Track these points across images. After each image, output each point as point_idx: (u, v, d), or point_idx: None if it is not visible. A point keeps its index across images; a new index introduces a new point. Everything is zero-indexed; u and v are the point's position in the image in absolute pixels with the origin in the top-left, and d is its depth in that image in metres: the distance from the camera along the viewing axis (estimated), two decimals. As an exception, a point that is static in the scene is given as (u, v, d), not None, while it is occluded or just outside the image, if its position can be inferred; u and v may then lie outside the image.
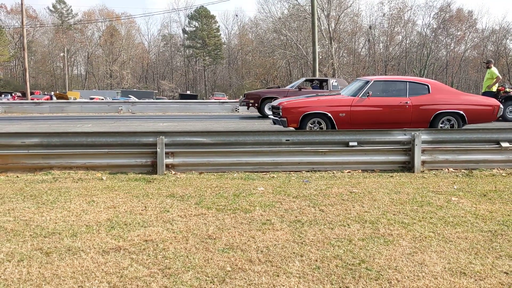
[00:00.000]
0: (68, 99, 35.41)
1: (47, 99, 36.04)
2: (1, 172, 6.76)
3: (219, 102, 27.97)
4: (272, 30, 54.37)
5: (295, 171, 7.13)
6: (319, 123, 9.75)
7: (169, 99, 55.07)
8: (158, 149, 6.82)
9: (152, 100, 35.72)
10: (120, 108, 22.85)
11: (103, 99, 39.47)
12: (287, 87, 17.88)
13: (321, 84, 18.04)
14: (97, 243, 3.89)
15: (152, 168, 6.94)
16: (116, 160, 6.98)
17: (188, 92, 63.16)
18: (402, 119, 9.52)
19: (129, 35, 77.16)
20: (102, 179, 6.49)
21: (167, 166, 6.93)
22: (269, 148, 7.25)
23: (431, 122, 9.65)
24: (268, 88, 20.97)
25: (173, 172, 6.93)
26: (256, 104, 16.80)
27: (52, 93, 46.51)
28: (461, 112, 9.59)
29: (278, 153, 7.22)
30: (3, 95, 40.47)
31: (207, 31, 74.08)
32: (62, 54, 67.06)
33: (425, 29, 63.37)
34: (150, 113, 22.65)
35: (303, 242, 3.95)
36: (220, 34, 78.62)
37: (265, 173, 7.01)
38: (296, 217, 4.69)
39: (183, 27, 78.64)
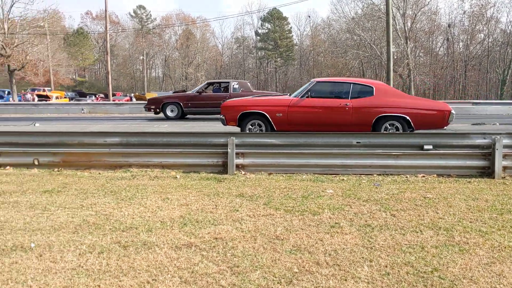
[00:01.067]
0: (146, 100, 37.05)
1: (127, 100, 38.01)
2: (85, 168, 7.25)
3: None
4: (345, 30, 53.56)
5: (365, 174, 6.99)
6: (259, 125, 9.76)
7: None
8: (228, 150, 6.98)
9: (224, 101, 36.44)
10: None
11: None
12: (190, 91, 18.81)
13: (226, 87, 17.78)
14: (170, 239, 4.06)
15: (223, 168, 7.11)
16: (189, 159, 7.24)
17: (260, 94, 63.70)
18: (342, 121, 9.30)
19: (203, 38, 79.36)
20: (176, 177, 6.76)
21: (237, 166, 7.08)
22: (339, 150, 7.17)
23: (373, 126, 9.28)
24: (174, 92, 21.63)
25: (243, 172, 7.06)
26: (158, 109, 17.70)
27: (132, 94, 48.95)
28: (406, 116, 9.15)
29: (348, 155, 7.12)
30: (88, 97, 43.19)
31: (279, 33, 74.38)
32: (141, 57, 70.51)
33: (509, 27, 59.35)
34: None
35: (373, 247, 3.88)
36: (292, 36, 78.60)
37: (334, 175, 6.94)
38: (366, 221, 4.61)
39: (256, 29, 79.54)
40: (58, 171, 7.20)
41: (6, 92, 39.17)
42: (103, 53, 57.00)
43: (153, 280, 3.24)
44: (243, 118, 9.82)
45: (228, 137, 7.04)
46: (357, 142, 7.19)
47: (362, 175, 6.95)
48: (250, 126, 9.82)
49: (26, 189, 5.96)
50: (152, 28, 78.67)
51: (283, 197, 5.58)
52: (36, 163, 7.31)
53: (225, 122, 10.07)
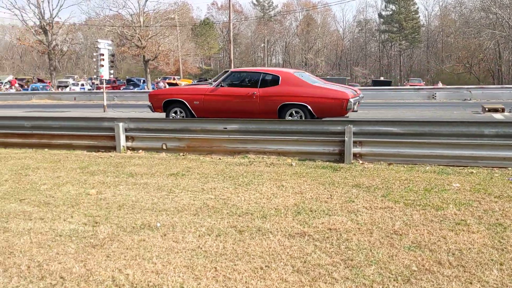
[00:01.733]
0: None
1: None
2: (207, 154, 7.63)
3: (414, 88, 26.50)
4: (479, 8, 48.96)
5: (499, 167, 6.34)
6: (181, 112, 10.41)
7: (362, 85, 54.44)
8: (346, 138, 6.81)
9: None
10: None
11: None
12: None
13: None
14: (284, 227, 4.09)
15: (339, 157, 6.97)
16: (305, 147, 7.22)
17: (382, 78, 61.36)
18: (250, 109, 9.81)
19: (324, 23, 78.50)
20: (291, 165, 6.79)
21: (355, 155, 6.88)
22: (468, 141, 6.59)
23: (278, 114, 9.66)
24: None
25: (360, 162, 6.85)
26: None
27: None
28: (306, 104, 9.43)
29: (478, 146, 6.51)
30: (212, 84, 45.34)
31: (404, 14, 70.55)
32: (262, 45, 72.08)
33: None
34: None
35: (504, 249, 3.50)
36: (419, 16, 74.04)
37: (462, 167, 6.40)
38: (497, 219, 4.18)
39: (379, 11, 76.44)
40: (183, 155, 7.67)
41: (142, 81, 42.85)
42: (227, 42, 59.28)
43: (266, 266, 3.29)
44: (167, 106, 10.62)
45: (345, 125, 6.87)
46: (489, 132, 6.55)
47: (495, 168, 6.31)
48: (173, 114, 10.57)
49: (155, 171, 6.45)
50: (273, 15, 79.83)
51: (403, 189, 5.29)
52: (164, 147, 7.88)
53: (153, 109, 10.95)
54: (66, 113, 15.50)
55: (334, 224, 4.14)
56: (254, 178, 5.95)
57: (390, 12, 73.44)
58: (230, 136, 7.58)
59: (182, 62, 54.01)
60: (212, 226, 4.12)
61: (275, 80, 9.94)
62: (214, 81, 11.29)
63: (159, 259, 3.44)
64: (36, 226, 4.22)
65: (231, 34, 34.79)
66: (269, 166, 6.71)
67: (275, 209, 4.61)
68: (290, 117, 9.52)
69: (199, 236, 3.90)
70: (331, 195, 5.10)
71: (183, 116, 10.40)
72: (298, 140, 7.27)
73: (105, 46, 15.91)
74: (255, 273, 3.18)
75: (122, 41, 47.27)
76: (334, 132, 7.07)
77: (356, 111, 10.29)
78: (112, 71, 16.76)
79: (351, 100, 9.33)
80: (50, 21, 41.14)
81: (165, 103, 10.61)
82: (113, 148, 8.06)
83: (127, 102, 25.95)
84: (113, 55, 17.19)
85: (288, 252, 3.53)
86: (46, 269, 3.29)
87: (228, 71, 10.72)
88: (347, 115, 9.60)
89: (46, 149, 8.43)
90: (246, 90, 10.01)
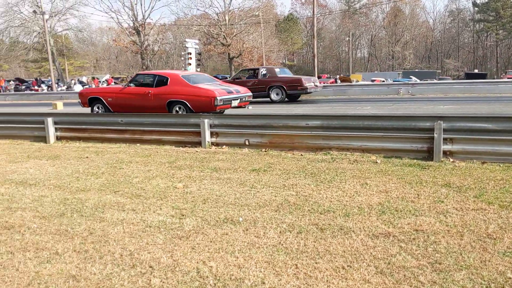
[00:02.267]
0: (351, 82, 37.14)
1: (332, 83, 38.65)
2: (289, 150, 7.64)
3: (513, 81, 24.52)
4: None
5: None
6: (101, 108, 12.85)
7: (453, 79, 51.47)
8: (435, 135, 6.47)
9: (432, 81, 34.05)
10: (399, 89, 22.63)
11: (383, 81, 39.85)
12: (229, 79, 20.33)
13: (256, 73, 18.70)
14: (367, 226, 3.98)
15: (428, 154, 6.64)
16: (391, 144, 6.96)
17: (476, 71, 57.58)
18: (146, 105, 11.89)
19: (413, 14, 75.22)
20: (376, 162, 6.59)
21: (445, 153, 6.52)
22: None
23: (167, 108, 11.67)
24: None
25: (451, 160, 6.47)
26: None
27: (338, 76, 49.52)
28: (184, 101, 11.41)
29: None
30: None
31: (502, 2, 65.48)
32: (347, 39, 70.65)
33: None
34: (430, 94, 21.65)
35: None
36: (519, 3, 68.33)
37: None
38: None
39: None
40: (265, 151, 7.75)
41: (226, 78, 43.87)
42: (311, 37, 58.86)
43: (348, 266, 3.23)
44: (91, 102, 13.02)
45: (434, 121, 6.53)
46: None
47: None
48: (97, 109, 12.95)
49: (238, 167, 6.58)
50: (359, 8, 77.90)
51: (499, 190, 4.92)
52: (247, 143, 8.02)
53: (82, 105, 13.47)
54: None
55: (421, 225, 3.96)
56: (336, 175, 5.85)
57: (486, 0, 68.54)
58: (312, 132, 7.52)
59: (265, 58, 54.55)
60: (293, 223, 4.12)
61: (165, 81, 11.93)
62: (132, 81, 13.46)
63: (241, 253, 3.51)
64: (128, 216, 4.49)
65: (315, 28, 34.46)
66: (352, 163, 6.57)
67: (358, 207, 4.51)
68: (175, 112, 11.57)
69: (280, 232, 3.92)
70: (418, 194, 4.88)
71: (103, 111, 12.78)
72: (383, 137, 7.03)
73: (192, 45, 16.53)
74: (336, 272, 3.14)
75: (209, 40, 48.76)
76: (423, 128, 6.74)
77: (234, 107, 12.15)
78: (198, 69, 17.38)
79: (218, 98, 11.22)
80: (143, 22, 43.51)
81: (90, 100, 13.09)
82: (199, 144, 8.35)
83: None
84: (199, 54, 17.85)
85: (371, 253, 3.43)
86: (137, 258, 3.49)
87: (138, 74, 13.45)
88: (218, 110, 11.36)
89: (138, 144, 8.94)
90: (144, 89, 12.14)
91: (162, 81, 11.98)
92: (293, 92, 17.85)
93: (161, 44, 52.05)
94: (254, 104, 16.98)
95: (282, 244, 3.65)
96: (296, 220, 4.19)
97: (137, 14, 43.45)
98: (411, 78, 43.78)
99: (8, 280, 3.21)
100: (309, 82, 18.10)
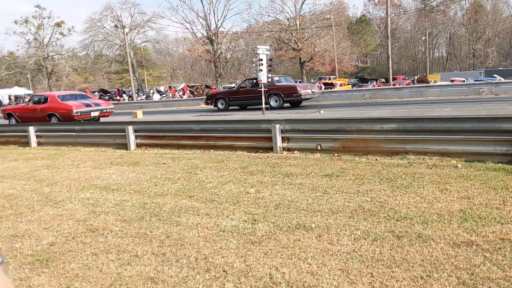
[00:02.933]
0: (428, 83, 35.61)
1: (408, 84, 37.28)
2: (363, 154, 7.45)
3: None
4: None
5: None
6: (14, 119, 18.47)
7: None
8: (523, 137, 6.02)
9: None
10: (481, 89, 21.35)
11: (463, 81, 37.80)
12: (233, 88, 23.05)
13: (257, 82, 18.48)
14: (447, 234, 3.78)
15: (515, 158, 6.19)
16: (472, 147, 6.57)
17: None
18: (37, 117, 16.81)
19: (495, 9, 70.76)
20: (456, 166, 6.24)
21: (535, 156, 6.05)
22: None
23: (48, 118, 16.62)
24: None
25: (542, 164, 5.98)
26: (212, 103, 21.69)
27: (416, 77, 47.67)
28: (55, 113, 16.57)
29: None
30: (369, 82, 44.26)
31: None
32: (423, 38, 67.83)
33: None
34: (518, 93, 20.21)
35: None
36: None
37: None
38: None
39: None
40: (338, 156, 7.61)
41: (298, 82, 43.77)
42: (384, 37, 57.32)
43: (427, 276, 3.07)
44: (9, 116, 18.61)
45: (522, 122, 6.08)
46: None
47: None
48: (10, 121, 18.40)
49: (310, 172, 6.52)
50: (435, 6, 74.64)
51: None
52: (318, 148, 7.93)
53: (4, 118, 18.91)
54: (229, 117, 16.63)
55: (507, 233, 3.68)
56: (413, 180, 5.62)
57: None
58: (387, 136, 7.28)
59: (337, 61, 53.82)
60: (368, 230, 4.00)
61: (46, 99, 17.11)
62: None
63: (314, 260, 3.46)
64: (203, 221, 4.60)
65: (389, 29, 33.46)
66: (430, 168, 6.28)
67: (438, 214, 4.29)
68: (53, 121, 16.47)
69: (354, 239, 3.82)
70: (504, 201, 4.55)
71: (15, 122, 18.16)
72: (464, 140, 6.65)
73: (263, 51, 16.65)
74: (414, 282, 3.00)
75: (280, 45, 49.00)
76: (508, 130, 6.30)
77: (95, 116, 17.11)
78: (269, 75, 17.47)
79: (75, 110, 16.17)
80: (216, 31, 44.65)
81: (7, 114, 18.65)
82: (270, 149, 8.39)
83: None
84: (270, 59, 17.92)
85: (452, 262, 3.25)
86: (211, 262, 3.56)
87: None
88: (77, 119, 16.04)
89: (211, 150, 9.16)
90: (35, 106, 17.27)
91: (46, 99, 17.20)
92: (289, 99, 19.01)
93: (233, 51, 53.09)
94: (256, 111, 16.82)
95: (356, 252, 3.55)
96: (371, 227, 4.07)
97: (210, 23, 44.67)
98: (495, 77, 41.11)
99: (93, 280, 3.41)
100: (305, 89, 19.27)
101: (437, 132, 6.90)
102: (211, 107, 22.57)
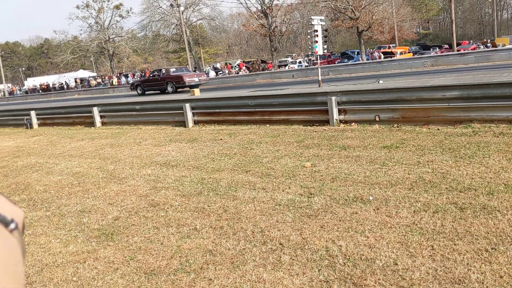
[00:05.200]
0: (496, 46, 33.46)
1: (474, 49, 35.23)
2: (423, 124, 7.15)
3: None
4: None
5: None
6: None
7: None
8: None
9: None
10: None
11: (536, 42, 35.13)
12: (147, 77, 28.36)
13: (161, 71, 24.87)
14: (515, 205, 3.57)
15: None
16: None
17: None
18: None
19: None
20: (527, 134, 5.86)
21: None
22: None
23: None
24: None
25: None
26: (133, 88, 25.90)
27: (487, 40, 44.84)
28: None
29: None
30: (431, 49, 42.21)
31: None
32: (490, 0, 63.45)
33: None
34: None
35: None
36: None
37: None
38: None
39: None
40: (397, 126, 7.36)
41: (356, 53, 42.60)
42: (447, 1, 54.21)
43: (492, 249, 2.94)
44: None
45: None
46: None
47: None
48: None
49: (367, 144, 6.36)
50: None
51: None
52: (377, 119, 7.70)
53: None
54: (284, 91, 16.55)
55: None
56: (478, 149, 5.34)
57: None
58: (450, 104, 6.93)
59: (397, 29, 51.60)
60: (429, 202, 3.87)
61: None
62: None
63: (372, 233, 3.40)
64: (259, 195, 4.63)
65: (452, -9, 31.56)
66: (497, 136, 5.93)
67: (505, 185, 4.06)
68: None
69: (414, 211, 3.71)
70: None
71: None
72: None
73: (318, 22, 16.26)
74: (478, 255, 2.87)
75: (336, 15, 47.63)
76: None
77: None
78: (325, 46, 17.07)
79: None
80: (270, 5, 44.11)
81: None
82: (326, 122, 8.26)
83: (341, 76, 26.22)
84: (326, 30, 17.47)
85: (520, 235, 3.07)
86: (267, 235, 3.59)
87: None
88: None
89: (267, 125, 9.16)
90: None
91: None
92: (179, 85, 23.64)
93: (288, 24, 52.27)
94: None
95: (416, 224, 3.45)
96: (432, 199, 3.92)
97: (264, -4, 44.15)
98: None
99: (154, 253, 3.54)
100: (191, 77, 23.83)
101: (505, 98, 6.48)
102: (265, 81, 24.09)
